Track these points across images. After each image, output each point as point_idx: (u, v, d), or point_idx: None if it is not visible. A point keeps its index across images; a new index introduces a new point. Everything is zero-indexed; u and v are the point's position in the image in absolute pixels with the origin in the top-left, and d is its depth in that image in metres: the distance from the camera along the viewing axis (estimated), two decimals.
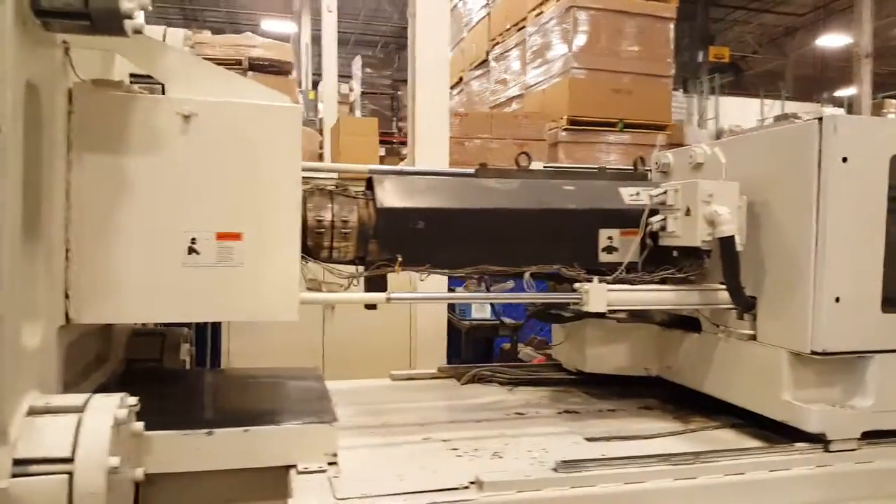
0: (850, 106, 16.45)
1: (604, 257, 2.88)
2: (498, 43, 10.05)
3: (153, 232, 2.15)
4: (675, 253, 2.84)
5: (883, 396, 2.53)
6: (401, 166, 3.16)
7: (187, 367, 3.21)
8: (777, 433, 2.64)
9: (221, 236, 2.13)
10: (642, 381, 3.37)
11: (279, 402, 2.84)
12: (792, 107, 20.18)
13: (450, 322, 5.80)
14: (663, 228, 2.79)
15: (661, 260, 2.88)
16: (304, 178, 2.37)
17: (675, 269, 2.85)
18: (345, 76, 15.41)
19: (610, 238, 2.88)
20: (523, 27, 9.17)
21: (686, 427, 2.87)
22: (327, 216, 2.49)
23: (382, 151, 10.81)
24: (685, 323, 3.15)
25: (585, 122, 8.10)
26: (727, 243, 2.58)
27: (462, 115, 8.03)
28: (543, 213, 2.83)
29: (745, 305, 2.73)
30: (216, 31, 10.98)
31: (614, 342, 3.35)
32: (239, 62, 8.16)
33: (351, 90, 16.47)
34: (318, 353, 5.46)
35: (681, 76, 24.34)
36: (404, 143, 10.35)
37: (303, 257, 2.39)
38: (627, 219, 2.88)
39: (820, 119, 2.43)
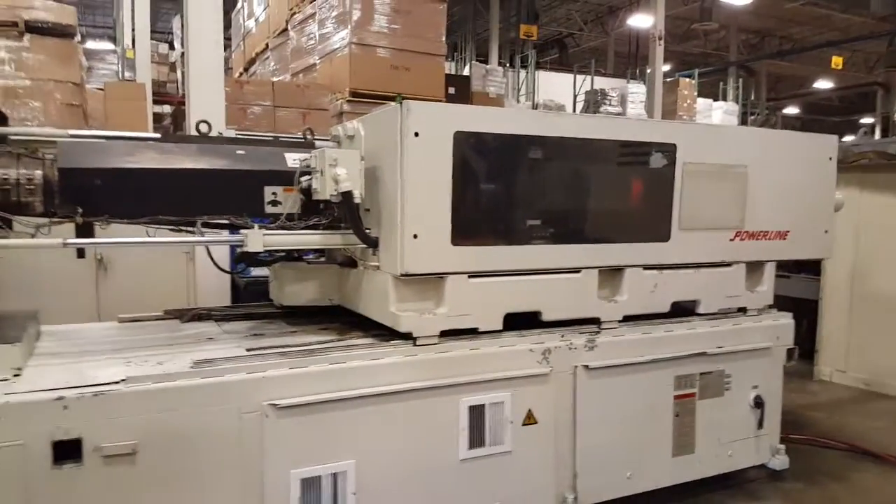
0: None
1: (269, 209, 3.63)
2: (296, 12, 10.52)
3: None
4: (321, 205, 3.62)
5: (454, 305, 3.46)
6: (99, 132, 3.73)
7: None
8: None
9: None
10: (333, 311, 4.14)
11: None
12: (602, 83, 21.72)
13: (234, 280, 6.49)
14: (311, 186, 3.57)
15: (315, 211, 3.67)
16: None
17: (322, 218, 3.65)
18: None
19: (274, 193, 3.63)
20: None
21: (339, 338, 3.67)
22: (13, 174, 3.10)
23: None
24: (352, 262, 3.96)
25: (366, 95, 8.84)
26: (347, 197, 3.37)
27: (243, 83, 8.56)
28: (214, 173, 3.54)
29: (370, 243, 3.55)
30: None
31: (306, 280, 4.12)
32: (14, 24, 7.74)
33: (172, 49, 16.46)
34: (93, 308, 6.03)
35: (508, 50, 25.63)
36: None
37: None
38: (289, 178, 3.63)
39: (401, 104, 3.27)
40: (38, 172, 3.18)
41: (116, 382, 2.85)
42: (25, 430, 2.66)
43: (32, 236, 3.17)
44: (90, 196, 3.23)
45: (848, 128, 26.07)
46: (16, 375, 2.92)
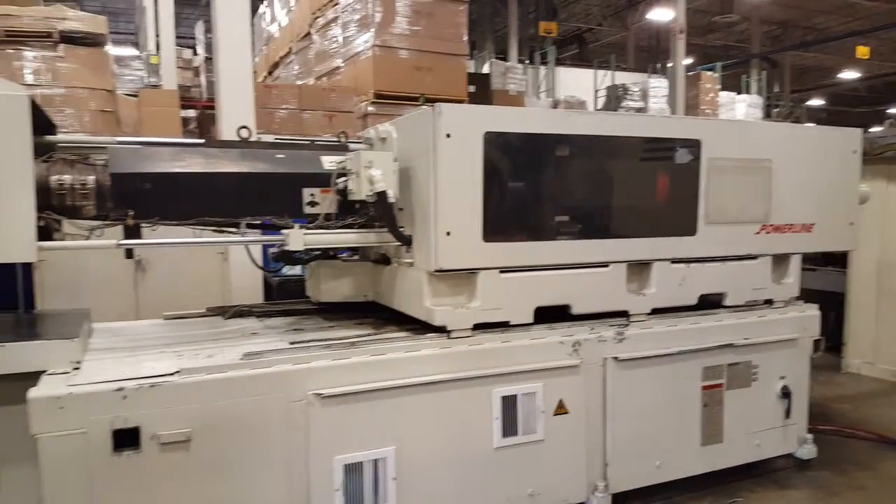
0: None
1: (308, 209, 3.78)
2: (319, 16, 10.65)
3: None
4: (357, 205, 3.77)
5: (486, 299, 3.60)
6: (146, 138, 3.92)
7: None
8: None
9: None
10: (366, 307, 4.29)
11: (40, 329, 3.64)
12: (623, 77, 21.69)
13: (266, 280, 6.67)
14: (347, 187, 3.71)
15: (351, 211, 3.82)
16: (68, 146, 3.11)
17: (357, 217, 3.80)
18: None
19: (312, 195, 3.78)
20: (337, 3, 9.81)
21: (376, 332, 3.81)
22: (68, 180, 3.28)
23: None
24: (386, 259, 4.11)
25: (390, 97, 8.98)
26: (381, 197, 3.50)
27: (271, 87, 8.73)
28: (257, 176, 3.70)
29: (404, 241, 3.69)
30: None
31: (341, 277, 4.28)
32: (49, 34, 8.04)
33: (196, 55, 16.70)
34: (132, 307, 6.26)
35: (527, 47, 25.67)
36: None
37: (48, 214, 3.18)
38: (326, 180, 3.77)
39: (432, 107, 3.41)
40: (91, 177, 3.35)
41: (171, 374, 3.03)
42: (87, 420, 2.85)
43: (87, 238, 3.35)
44: (140, 199, 3.39)
45: (875, 118, 25.71)
46: (75, 369, 3.09)
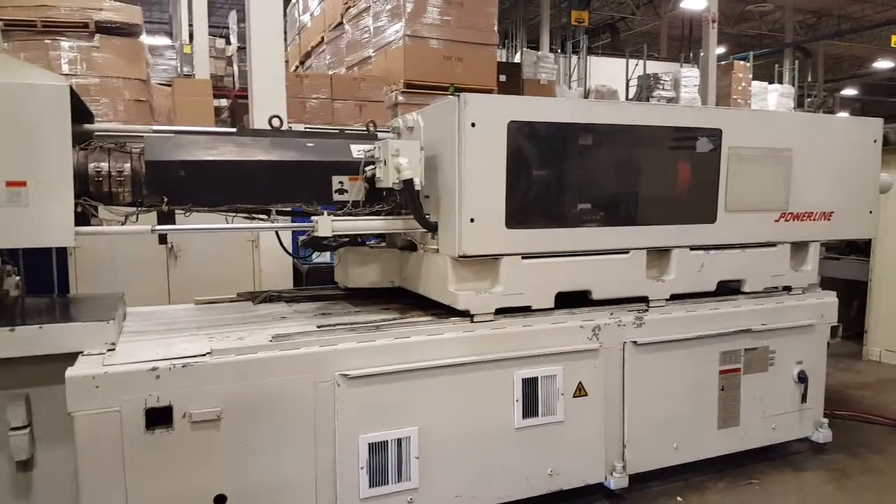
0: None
1: (336, 197, 3.90)
2: (351, 6, 10.79)
3: None
4: (384, 193, 3.88)
5: (509, 285, 3.70)
6: (180, 127, 4.06)
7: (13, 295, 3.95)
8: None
9: (10, 184, 3.01)
10: (392, 293, 4.42)
11: (76, 312, 3.81)
12: (655, 67, 21.57)
13: (295, 267, 6.82)
14: (374, 175, 3.82)
15: (378, 198, 3.93)
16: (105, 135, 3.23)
17: (385, 204, 3.91)
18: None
19: (341, 182, 3.90)
20: None
21: (401, 316, 3.92)
22: (105, 167, 3.43)
23: None
24: (412, 246, 4.22)
25: (420, 86, 9.09)
26: (408, 184, 3.60)
27: (302, 77, 8.87)
28: (287, 164, 3.82)
29: (430, 228, 3.80)
30: None
31: (369, 263, 4.40)
32: (85, 25, 8.25)
33: (228, 44, 16.92)
34: (164, 292, 6.44)
35: (559, 36, 25.61)
36: None
37: (85, 200, 3.34)
38: (354, 168, 3.89)
39: (458, 97, 3.51)
40: (127, 165, 3.49)
41: (203, 355, 3.16)
42: (121, 398, 2.98)
43: (122, 223, 3.49)
44: (175, 186, 3.53)
45: None
46: (110, 350, 3.24)
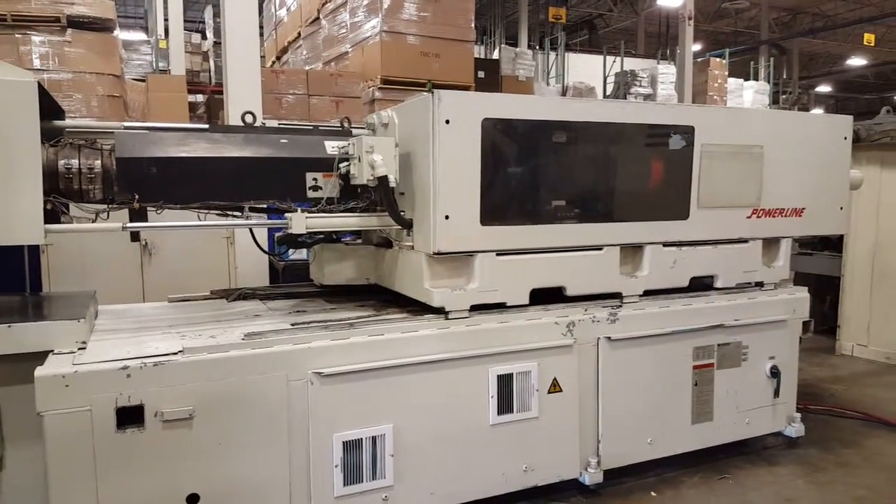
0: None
1: (311, 194, 3.87)
2: (328, 2, 10.76)
3: None
4: (359, 190, 3.87)
5: (483, 281, 3.71)
6: (151, 123, 4.02)
7: None
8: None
9: None
10: (369, 290, 4.40)
11: (47, 310, 3.77)
12: (632, 64, 21.69)
13: (271, 264, 6.78)
14: (349, 171, 3.81)
15: (353, 195, 3.92)
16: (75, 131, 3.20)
17: (359, 201, 3.90)
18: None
19: (315, 179, 3.88)
20: None
21: (376, 313, 3.91)
22: (75, 164, 3.39)
23: None
24: (388, 243, 4.20)
25: (397, 83, 9.08)
26: (383, 181, 3.59)
27: (278, 73, 8.83)
28: (260, 160, 3.80)
29: (405, 225, 3.78)
30: None
31: (344, 260, 4.38)
32: (57, 19, 8.17)
33: (204, 39, 16.80)
34: (138, 290, 6.39)
35: (537, 33, 25.67)
36: None
37: (55, 197, 3.29)
38: (329, 165, 3.87)
39: (432, 94, 3.50)
40: (98, 162, 3.45)
41: (175, 353, 3.13)
42: (92, 398, 2.94)
43: (93, 221, 3.45)
44: (146, 183, 3.49)
45: (882, 105, 25.64)
46: (81, 348, 3.20)
